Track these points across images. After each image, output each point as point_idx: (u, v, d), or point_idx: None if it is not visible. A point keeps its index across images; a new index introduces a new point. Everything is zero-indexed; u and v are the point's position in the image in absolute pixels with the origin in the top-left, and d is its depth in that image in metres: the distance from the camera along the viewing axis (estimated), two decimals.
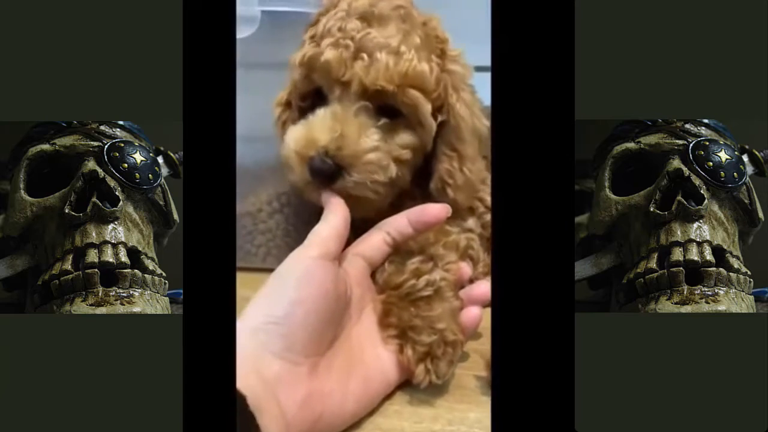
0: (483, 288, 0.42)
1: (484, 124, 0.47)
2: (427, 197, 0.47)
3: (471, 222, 0.49)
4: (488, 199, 0.49)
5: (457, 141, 0.45)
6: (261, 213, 0.56)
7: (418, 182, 0.48)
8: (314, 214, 0.42)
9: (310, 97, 0.45)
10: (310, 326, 0.34)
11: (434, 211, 0.41)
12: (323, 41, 0.42)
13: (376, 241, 0.41)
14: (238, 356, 0.33)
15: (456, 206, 0.46)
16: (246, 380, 0.32)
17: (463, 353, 0.40)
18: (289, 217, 0.54)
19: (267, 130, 0.49)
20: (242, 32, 0.49)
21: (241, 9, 0.47)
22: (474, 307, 0.41)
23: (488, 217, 0.49)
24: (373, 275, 0.42)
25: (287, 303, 0.34)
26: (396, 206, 0.46)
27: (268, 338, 0.33)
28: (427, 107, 0.43)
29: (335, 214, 0.39)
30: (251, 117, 0.44)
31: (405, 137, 0.44)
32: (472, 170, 0.46)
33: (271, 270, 0.37)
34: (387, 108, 0.43)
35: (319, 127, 0.41)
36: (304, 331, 0.34)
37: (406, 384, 0.39)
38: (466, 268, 0.43)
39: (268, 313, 0.34)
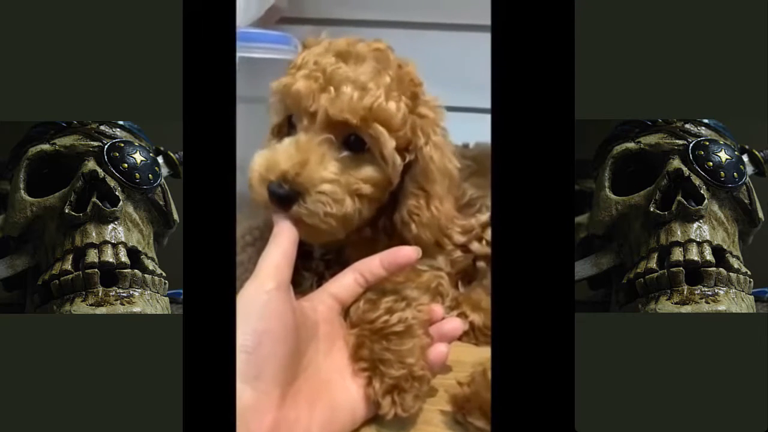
0: (453, 325, 0.43)
1: (455, 165, 0.49)
2: (399, 234, 0.49)
3: (440, 260, 0.51)
4: (456, 236, 0.51)
5: (425, 181, 0.47)
6: None
7: (391, 219, 0.49)
8: None
9: (285, 126, 0.47)
10: (278, 355, 0.35)
11: (406, 253, 0.43)
12: (298, 72, 0.45)
13: (348, 281, 0.43)
14: None
15: (420, 242, 0.48)
16: None
17: (429, 389, 0.41)
18: (262, 251, 0.55)
19: (240, 161, 0.50)
20: None
21: None
22: (441, 344, 0.42)
23: (456, 254, 0.52)
24: (346, 312, 0.43)
25: (255, 333, 0.35)
26: (371, 241, 0.49)
27: (239, 366, 0.34)
28: (390, 143, 0.44)
29: (284, 236, 0.41)
30: None
31: (367, 171, 0.45)
32: (439, 209, 0.48)
33: None
34: (352, 141, 0.45)
35: (282, 154, 0.43)
36: (274, 360, 0.35)
37: (372, 420, 0.39)
38: (438, 309, 0.44)
39: (237, 342, 0.34)
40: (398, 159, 0.46)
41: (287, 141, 0.45)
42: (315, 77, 0.44)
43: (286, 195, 0.42)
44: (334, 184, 0.43)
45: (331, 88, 0.43)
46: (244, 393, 0.33)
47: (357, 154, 0.45)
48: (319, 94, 0.43)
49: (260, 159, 0.44)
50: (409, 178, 0.47)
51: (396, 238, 0.49)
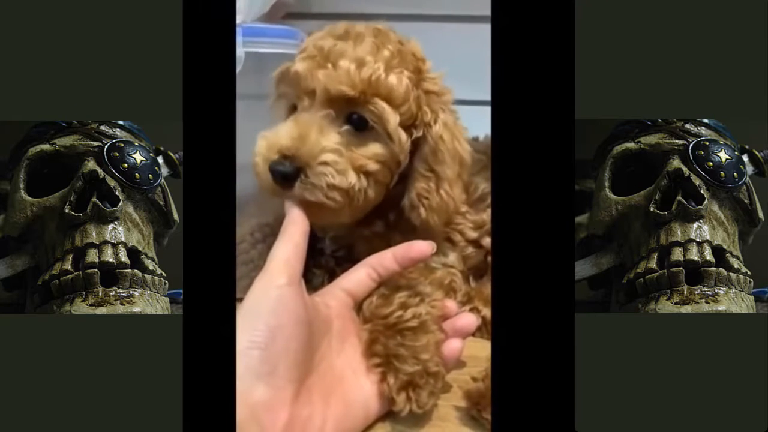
0: (466, 320, 0.42)
1: (467, 149, 0.48)
2: (411, 230, 0.48)
3: (452, 257, 0.50)
4: (468, 232, 0.50)
5: (435, 162, 0.46)
6: (243, 244, 0.54)
7: (398, 209, 0.48)
8: None
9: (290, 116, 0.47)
10: (292, 351, 0.35)
11: (420, 247, 0.42)
12: (297, 57, 0.45)
13: (360, 276, 0.42)
14: None
15: (428, 227, 0.47)
16: None
17: (444, 385, 0.40)
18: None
19: (248, 159, 0.50)
20: None
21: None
22: (455, 339, 0.41)
23: (468, 250, 0.51)
24: (359, 307, 0.42)
25: (267, 329, 0.34)
26: (382, 237, 0.48)
27: (252, 363, 0.33)
28: (394, 118, 0.43)
29: (294, 229, 0.40)
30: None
31: (373, 148, 0.44)
32: (449, 193, 0.47)
33: None
34: (355, 119, 0.44)
35: (283, 132, 0.43)
36: (287, 357, 0.34)
37: (387, 416, 0.39)
38: (451, 305, 0.43)
39: (250, 339, 0.34)
40: (404, 135, 0.45)
41: (288, 120, 0.44)
42: (312, 56, 0.43)
43: (288, 172, 0.41)
44: (336, 153, 0.42)
45: (329, 65, 0.43)
46: (257, 390, 0.33)
47: (361, 132, 0.44)
48: (317, 71, 0.43)
49: (262, 141, 0.44)
50: (419, 160, 0.46)
51: (409, 233, 0.48)
